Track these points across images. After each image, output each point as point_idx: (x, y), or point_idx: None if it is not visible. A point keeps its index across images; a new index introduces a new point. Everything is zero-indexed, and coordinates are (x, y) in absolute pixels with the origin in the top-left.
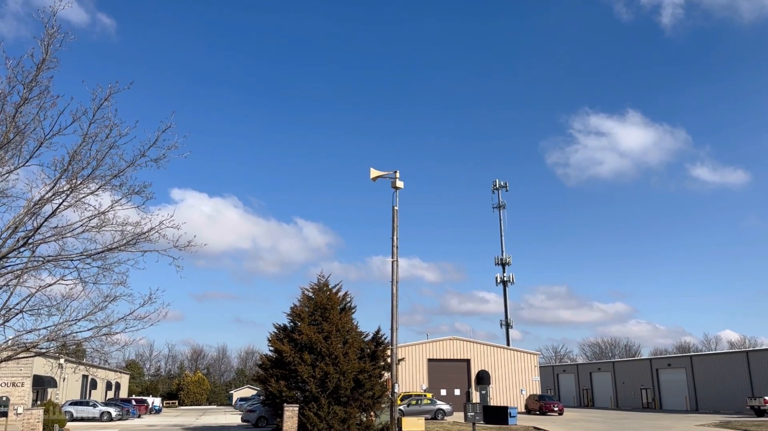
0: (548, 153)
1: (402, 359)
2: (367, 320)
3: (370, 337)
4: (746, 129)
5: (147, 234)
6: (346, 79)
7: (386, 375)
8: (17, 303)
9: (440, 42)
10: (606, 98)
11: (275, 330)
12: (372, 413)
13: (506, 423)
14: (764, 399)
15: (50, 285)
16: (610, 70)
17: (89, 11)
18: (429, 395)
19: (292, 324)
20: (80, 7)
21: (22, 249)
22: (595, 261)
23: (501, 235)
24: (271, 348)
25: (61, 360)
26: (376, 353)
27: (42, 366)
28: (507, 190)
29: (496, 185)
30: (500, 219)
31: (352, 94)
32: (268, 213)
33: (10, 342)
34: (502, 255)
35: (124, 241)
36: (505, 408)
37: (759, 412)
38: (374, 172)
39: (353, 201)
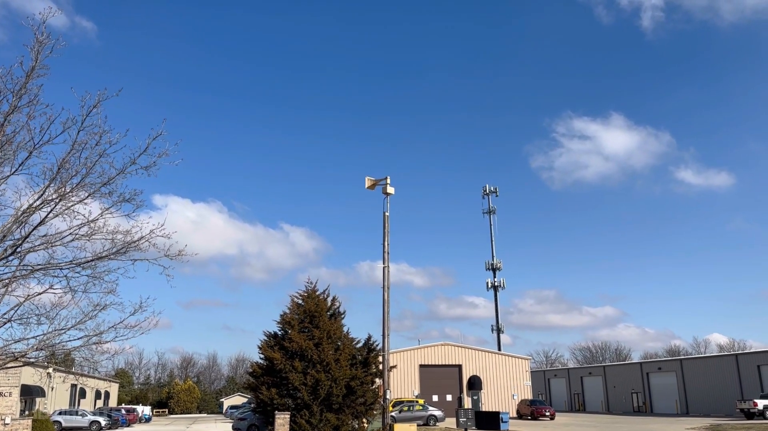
0: (533, 157)
1: (394, 366)
2: (357, 326)
3: (361, 344)
4: (729, 130)
5: (137, 242)
6: (331, 84)
7: (378, 381)
8: (5, 313)
9: (422, 48)
10: (588, 101)
11: (265, 338)
12: (364, 420)
13: (498, 428)
14: (754, 402)
15: (39, 294)
16: (592, 73)
17: (68, 14)
18: (421, 401)
19: (282, 331)
20: (58, 10)
21: (10, 258)
22: (584, 265)
23: (491, 240)
24: (262, 355)
25: (50, 370)
26: (367, 359)
27: (30, 376)
28: (497, 195)
29: (486, 190)
30: (490, 225)
31: (337, 99)
32: (254, 218)
33: None
34: (493, 260)
35: (114, 250)
36: (497, 413)
37: (749, 415)
38: (369, 181)
39: (340, 206)
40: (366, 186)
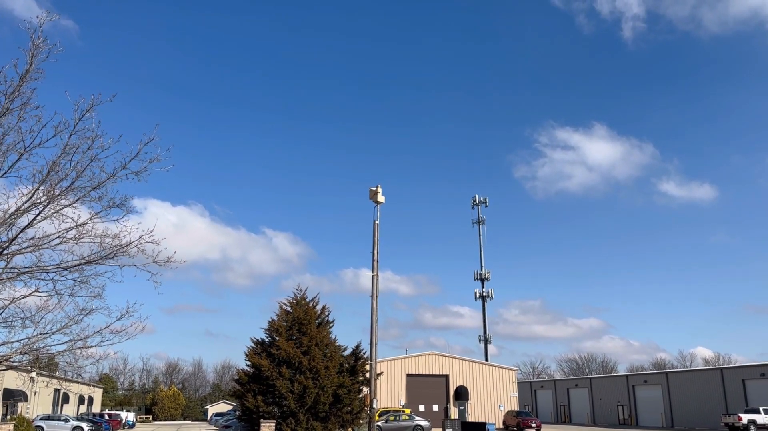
0: (516, 167)
1: (381, 373)
2: (341, 334)
3: (348, 352)
4: (712, 143)
5: (126, 248)
6: (319, 93)
7: (365, 390)
8: None
9: (407, 59)
10: (570, 111)
11: (252, 345)
12: (350, 429)
13: None
14: (738, 416)
15: (25, 297)
16: (573, 82)
17: (41, 12)
18: (407, 411)
19: (269, 338)
20: (39, 8)
21: None
22: (568, 276)
23: (480, 251)
24: (249, 362)
25: (33, 374)
26: (355, 368)
27: (13, 380)
28: (486, 206)
29: (475, 200)
30: (479, 235)
31: (324, 108)
32: (236, 222)
33: None
34: (482, 270)
35: (103, 254)
36: (483, 424)
37: (733, 429)
38: (372, 191)
39: (325, 213)
40: (369, 197)
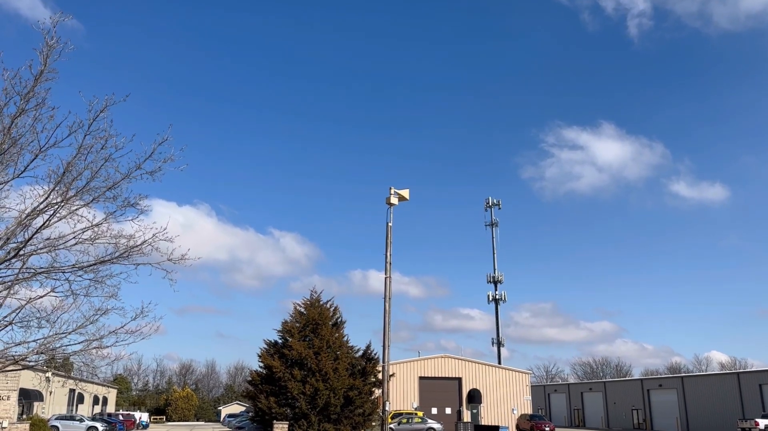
0: (522, 168)
1: (392, 375)
2: (350, 336)
3: (360, 353)
4: (723, 141)
5: (140, 247)
6: (331, 95)
7: (377, 392)
8: (7, 315)
9: (412, 62)
10: (576, 111)
11: (265, 346)
12: None
13: None
14: (755, 422)
15: (41, 297)
16: (579, 81)
17: (52, 11)
18: (420, 413)
19: (282, 339)
20: (45, 8)
21: (13, 260)
22: (579, 278)
23: (493, 253)
24: (261, 363)
25: (49, 374)
26: (366, 369)
27: (30, 380)
28: (500, 208)
29: (489, 203)
30: (492, 237)
31: (335, 111)
32: (244, 222)
33: None
34: (495, 273)
35: (117, 254)
36: (497, 427)
37: None
38: (399, 194)
39: (333, 213)
40: (398, 200)
